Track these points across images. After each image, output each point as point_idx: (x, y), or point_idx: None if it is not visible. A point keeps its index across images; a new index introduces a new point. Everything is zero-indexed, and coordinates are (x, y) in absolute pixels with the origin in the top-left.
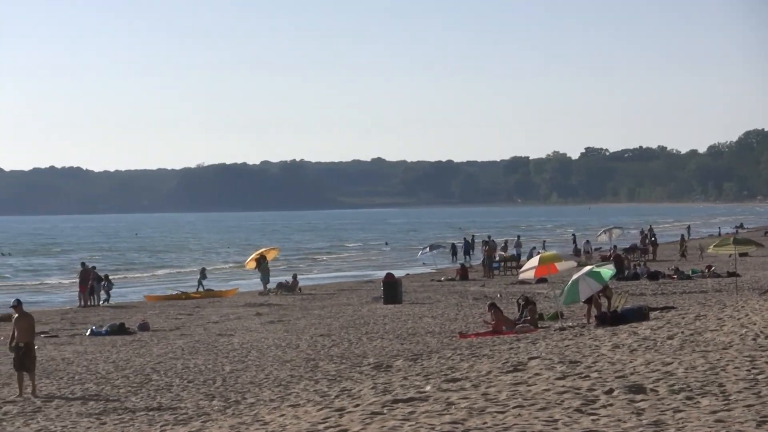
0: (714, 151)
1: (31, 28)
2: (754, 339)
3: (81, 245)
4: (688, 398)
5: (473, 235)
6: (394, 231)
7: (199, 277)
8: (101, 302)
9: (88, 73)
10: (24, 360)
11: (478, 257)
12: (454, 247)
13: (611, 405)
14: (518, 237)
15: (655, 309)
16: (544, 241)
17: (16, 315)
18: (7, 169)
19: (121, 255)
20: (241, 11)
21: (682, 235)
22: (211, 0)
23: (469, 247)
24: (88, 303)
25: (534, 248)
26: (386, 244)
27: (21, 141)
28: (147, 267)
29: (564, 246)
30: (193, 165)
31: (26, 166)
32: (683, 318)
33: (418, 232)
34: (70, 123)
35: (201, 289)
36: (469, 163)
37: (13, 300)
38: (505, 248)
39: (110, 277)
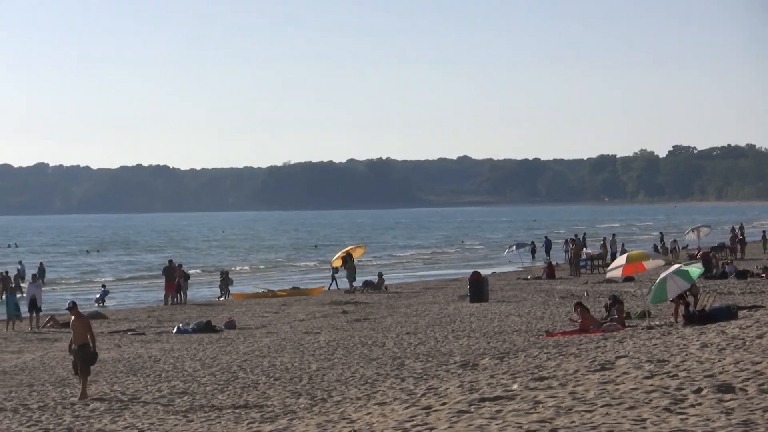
0: None
1: (114, 25)
2: None
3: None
4: None
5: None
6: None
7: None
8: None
9: (175, 71)
10: (81, 362)
11: (556, 256)
12: (533, 245)
13: (700, 404)
14: (613, 235)
15: (743, 308)
16: (615, 237)
17: (72, 317)
18: (94, 167)
19: (208, 253)
20: (333, 9)
21: (764, 232)
22: None
23: (549, 246)
24: (175, 300)
25: (623, 245)
26: (462, 242)
27: (108, 139)
28: (232, 265)
29: (650, 244)
30: (279, 163)
31: (113, 165)
32: None
33: (534, 230)
34: (158, 121)
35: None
36: (555, 161)
37: (68, 302)
38: (604, 245)
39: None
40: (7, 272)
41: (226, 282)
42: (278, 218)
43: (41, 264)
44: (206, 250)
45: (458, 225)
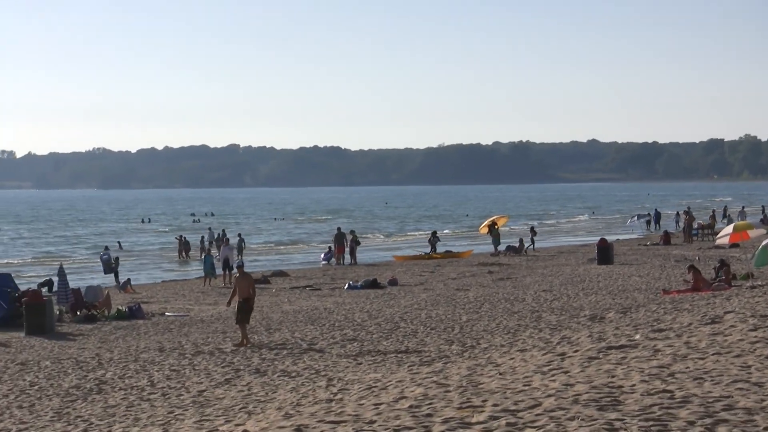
0: None
1: (297, 23)
2: None
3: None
4: None
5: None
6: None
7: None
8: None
9: (348, 67)
10: (243, 313)
11: (665, 226)
12: (650, 216)
13: None
14: (743, 207)
15: None
16: (744, 209)
17: (238, 275)
18: (278, 147)
19: (374, 221)
20: (485, 10)
21: None
22: None
23: (659, 217)
24: (343, 261)
25: (729, 216)
26: (593, 213)
27: (290, 123)
28: (395, 232)
29: (755, 216)
30: (435, 145)
31: (294, 146)
32: None
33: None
34: (332, 108)
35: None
36: (672, 144)
37: (238, 261)
38: (713, 217)
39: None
40: (183, 237)
41: (433, 240)
42: (433, 192)
43: (239, 234)
44: (372, 218)
45: (588, 199)
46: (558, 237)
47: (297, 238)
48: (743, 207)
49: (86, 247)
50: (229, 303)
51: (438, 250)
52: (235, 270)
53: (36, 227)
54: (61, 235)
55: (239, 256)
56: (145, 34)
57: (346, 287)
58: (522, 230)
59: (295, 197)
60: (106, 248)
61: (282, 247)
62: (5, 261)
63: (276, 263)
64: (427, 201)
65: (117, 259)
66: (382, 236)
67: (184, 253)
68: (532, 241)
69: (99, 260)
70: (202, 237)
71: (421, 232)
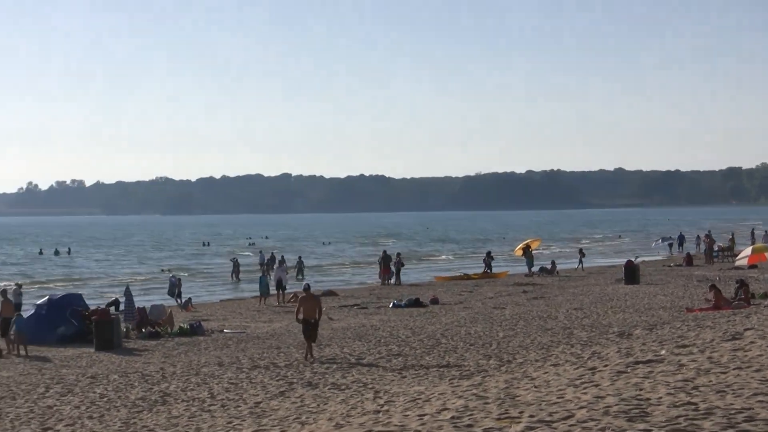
0: None
1: (351, 56)
2: None
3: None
4: None
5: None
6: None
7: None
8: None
9: (392, 100)
10: (310, 332)
11: (689, 248)
12: (672, 239)
13: None
14: (766, 231)
15: None
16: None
17: (304, 295)
18: (327, 176)
19: (419, 244)
20: (512, 48)
21: None
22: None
23: (683, 240)
24: (387, 282)
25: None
26: (619, 236)
27: (338, 153)
28: (436, 253)
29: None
30: (472, 173)
31: (342, 174)
32: None
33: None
34: (377, 139)
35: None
36: (693, 171)
37: (305, 284)
38: (732, 240)
39: None
40: (236, 259)
41: (488, 260)
42: (472, 217)
43: (300, 257)
44: (417, 242)
45: (615, 223)
46: (590, 258)
47: (349, 260)
48: (766, 231)
49: (156, 269)
50: (297, 319)
51: (493, 270)
52: (288, 289)
53: (112, 251)
54: (135, 257)
55: (303, 278)
56: (202, 71)
57: (390, 306)
58: (571, 252)
59: (347, 222)
60: (169, 270)
61: (331, 268)
62: (82, 282)
63: (327, 283)
64: (471, 226)
65: (179, 280)
66: (451, 256)
67: (235, 275)
68: (581, 261)
69: (168, 281)
70: (268, 259)
71: (460, 254)
